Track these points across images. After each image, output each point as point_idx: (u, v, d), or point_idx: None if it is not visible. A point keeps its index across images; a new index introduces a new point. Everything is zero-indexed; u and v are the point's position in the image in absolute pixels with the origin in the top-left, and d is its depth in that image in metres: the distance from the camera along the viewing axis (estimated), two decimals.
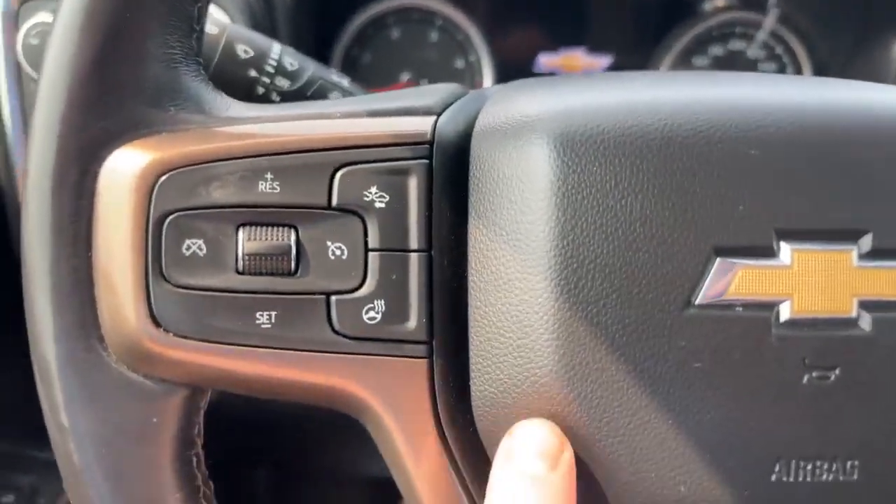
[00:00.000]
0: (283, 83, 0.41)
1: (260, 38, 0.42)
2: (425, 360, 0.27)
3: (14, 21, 0.63)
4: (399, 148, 0.28)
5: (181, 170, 0.26)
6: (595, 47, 0.82)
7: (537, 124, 0.27)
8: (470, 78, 0.80)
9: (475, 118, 0.30)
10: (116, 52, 0.26)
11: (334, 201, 0.27)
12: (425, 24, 0.79)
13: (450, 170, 0.28)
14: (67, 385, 0.27)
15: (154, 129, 0.27)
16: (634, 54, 0.82)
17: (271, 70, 0.41)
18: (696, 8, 0.82)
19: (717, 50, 0.80)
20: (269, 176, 0.27)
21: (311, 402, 0.28)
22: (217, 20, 0.40)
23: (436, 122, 0.29)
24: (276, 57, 0.41)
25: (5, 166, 0.66)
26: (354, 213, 0.27)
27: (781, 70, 0.81)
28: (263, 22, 0.64)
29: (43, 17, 0.61)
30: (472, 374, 0.28)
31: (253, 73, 0.40)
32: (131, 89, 0.26)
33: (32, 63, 0.61)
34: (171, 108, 0.27)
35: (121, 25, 0.26)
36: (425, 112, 0.29)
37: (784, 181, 0.25)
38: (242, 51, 0.40)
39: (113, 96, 0.26)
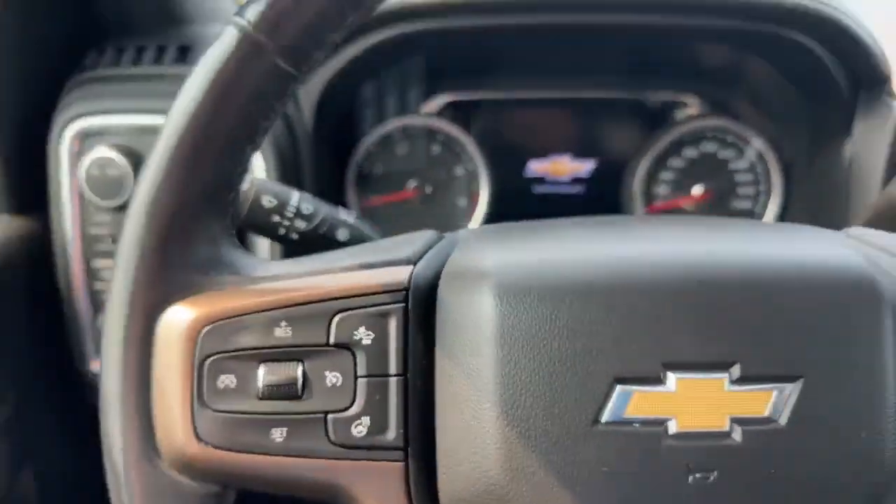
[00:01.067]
0: (300, 224, 0.51)
1: (282, 189, 0.52)
2: (402, 464, 0.35)
3: (77, 157, 0.74)
4: (382, 295, 0.36)
5: (219, 322, 0.35)
6: (580, 153, 0.91)
7: (485, 278, 0.36)
8: (467, 183, 0.90)
9: (444, 265, 0.38)
10: (173, 235, 0.36)
11: (331, 340, 0.36)
12: (428, 139, 0.90)
13: (422, 311, 0.37)
14: (130, 485, 0.35)
15: (200, 290, 0.36)
16: (616, 158, 0.91)
17: (291, 215, 0.51)
18: (670, 117, 0.91)
19: (690, 152, 0.89)
20: (283, 323, 0.35)
21: (316, 497, 0.36)
22: (248, 178, 0.50)
23: (412, 272, 0.37)
24: (295, 204, 0.51)
25: (66, 276, 0.76)
26: (347, 348, 0.36)
27: (752, 168, 0.89)
28: (289, 153, 0.75)
29: (101, 151, 0.73)
30: (439, 475, 0.36)
31: (276, 219, 0.50)
32: (184, 263, 0.36)
33: (94, 189, 0.73)
34: (212, 273, 0.36)
35: (175, 216, 0.36)
36: (405, 262, 0.38)
37: (670, 323, 0.33)
38: (267, 201, 0.50)
39: (171, 269, 0.36)
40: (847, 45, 0.74)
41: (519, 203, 0.93)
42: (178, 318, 0.35)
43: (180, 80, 0.35)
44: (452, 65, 0.86)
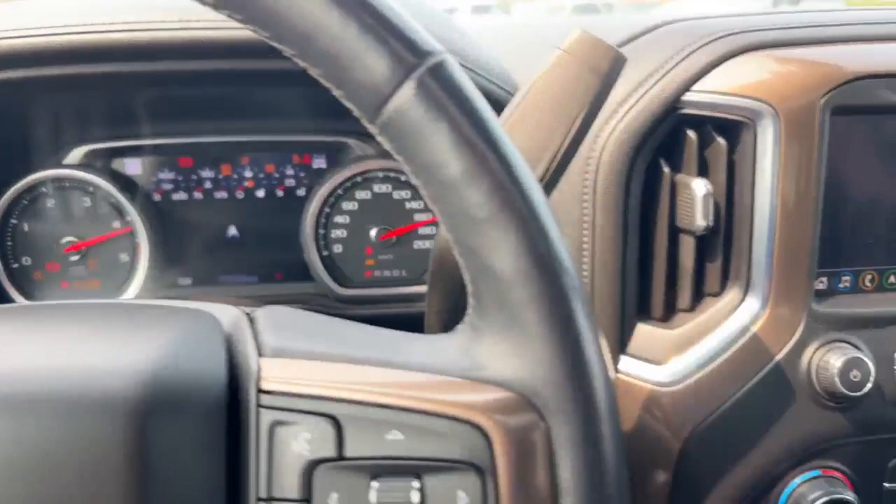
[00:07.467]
0: None
1: None
2: None
3: None
4: None
5: None
6: (252, 197, 0.87)
7: None
8: (131, 238, 0.84)
9: None
10: None
11: None
12: (78, 190, 0.83)
13: None
14: None
15: None
16: (288, 201, 0.88)
17: None
18: (341, 159, 0.88)
19: (363, 194, 0.87)
20: None
21: None
22: None
23: None
24: None
25: None
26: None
27: (428, 208, 0.87)
28: None
29: None
30: None
31: None
32: None
33: None
34: None
35: None
36: None
37: None
38: None
39: None
40: None
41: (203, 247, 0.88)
42: None
43: None
44: (88, 112, 0.80)
